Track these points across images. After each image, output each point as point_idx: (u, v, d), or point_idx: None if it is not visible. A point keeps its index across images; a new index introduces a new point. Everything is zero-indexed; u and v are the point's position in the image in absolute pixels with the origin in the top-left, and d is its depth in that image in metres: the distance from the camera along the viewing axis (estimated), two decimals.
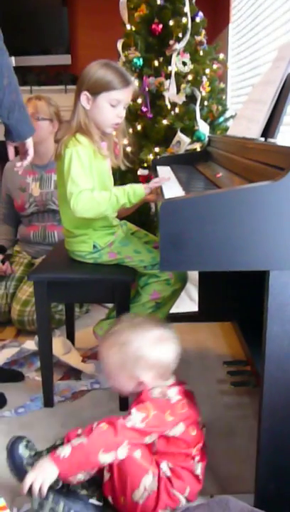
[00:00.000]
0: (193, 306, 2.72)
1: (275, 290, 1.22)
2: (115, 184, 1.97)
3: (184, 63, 2.89)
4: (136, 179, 2.80)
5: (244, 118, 1.90)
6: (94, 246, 1.86)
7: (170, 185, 1.70)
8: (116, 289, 1.80)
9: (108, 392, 2.00)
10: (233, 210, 1.16)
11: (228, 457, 1.63)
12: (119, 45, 3.08)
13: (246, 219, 1.17)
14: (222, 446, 1.68)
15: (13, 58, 4.73)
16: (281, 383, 1.28)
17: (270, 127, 1.62)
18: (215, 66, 3.07)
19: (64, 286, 1.85)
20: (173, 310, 2.10)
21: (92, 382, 2.06)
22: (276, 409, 1.30)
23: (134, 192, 1.76)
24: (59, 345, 2.25)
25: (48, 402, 1.91)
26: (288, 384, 1.29)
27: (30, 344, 2.26)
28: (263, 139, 1.63)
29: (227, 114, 3.15)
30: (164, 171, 2.17)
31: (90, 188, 1.70)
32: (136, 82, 2.90)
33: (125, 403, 1.88)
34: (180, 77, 2.88)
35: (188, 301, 2.83)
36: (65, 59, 4.77)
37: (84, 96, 1.75)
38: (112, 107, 1.78)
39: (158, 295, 1.92)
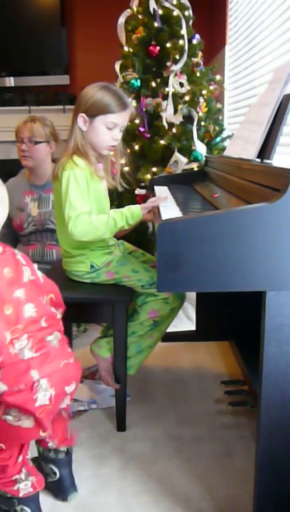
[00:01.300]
0: (191, 325, 2.72)
1: (272, 311, 1.23)
2: (113, 204, 1.99)
3: (181, 84, 2.92)
4: (134, 199, 2.82)
5: (241, 139, 1.92)
6: (92, 266, 1.86)
7: (167, 205, 1.71)
8: (114, 309, 1.80)
9: (105, 413, 2.00)
10: (230, 232, 1.17)
11: (226, 478, 1.62)
12: (117, 66, 3.12)
13: (243, 240, 1.18)
14: (219, 467, 1.67)
15: (12, 78, 4.80)
16: (278, 404, 1.28)
17: (266, 148, 1.64)
18: (211, 87, 3.10)
19: None
20: (171, 329, 2.11)
21: (89, 402, 2.05)
22: (273, 430, 1.30)
23: (132, 214, 1.77)
24: None
25: None
26: (286, 405, 1.29)
27: None
28: (259, 160, 1.65)
29: (224, 134, 3.17)
30: (161, 191, 2.18)
31: (88, 211, 1.71)
32: (133, 103, 2.93)
33: (122, 424, 1.87)
34: (177, 97, 2.91)
35: (185, 320, 2.83)
36: (63, 79, 4.82)
37: (81, 118, 1.77)
38: (108, 130, 1.79)
39: (156, 314, 1.92)
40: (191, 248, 1.17)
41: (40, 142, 2.57)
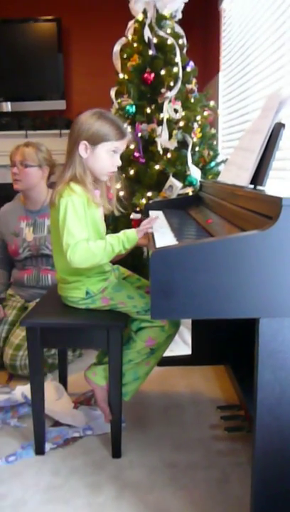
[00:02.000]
0: (187, 349, 2.72)
1: (265, 337, 1.23)
2: (108, 229, 2.00)
3: (175, 110, 2.97)
4: (129, 223, 2.84)
5: (234, 165, 1.94)
6: (87, 292, 1.87)
7: (162, 231, 1.72)
8: (109, 335, 1.80)
9: (100, 439, 1.98)
10: (222, 259, 1.18)
11: (222, 506, 1.60)
12: (112, 92, 3.17)
13: (236, 268, 1.19)
14: (216, 495, 1.65)
15: (9, 103, 4.86)
16: (273, 431, 1.28)
17: (259, 175, 1.66)
18: (205, 113, 3.15)
19: (57, 332, 1.85)
20: (167, 353, 2.10)
21: (84, 428, 2.04)
22: (269, 457, 1.30)
23: (128, 238, 1.79)
24: (51, 390, 2.23)
25: (40, 450, 1.89)
26: (281, 431, 1.29)
27: (21, 390, 2.24)
28: (252, 187, 1.67)
29: (219, 159, 3.21)
30: (156, 216, 2.20)
31: (86, 238, 1.72)
32: (128, 129, 2.98)
33: (118, 450, 1.86)
34: (171, 123, 2.95)
35: (181, 344, 2.83)
36: (59, 104, 4.88)
37: (83, 145, 1.78)
38: (110, 156, 1.82)
39: (153, 342, 1.92)
40: (184, 276, 1.18)
41: (32, 166, 2.59)
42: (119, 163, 1.87)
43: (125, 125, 2.92)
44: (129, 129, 2.99)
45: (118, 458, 1.86)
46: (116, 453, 1.86)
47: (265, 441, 1.30)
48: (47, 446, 1.92)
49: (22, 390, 2.23)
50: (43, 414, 1.90)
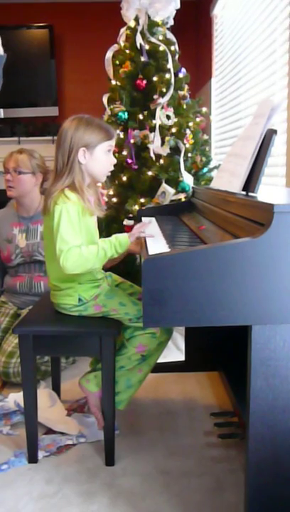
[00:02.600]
0: (180, 356, 2.71)
1: (258, 344, 1.23)
2: (101, 235, 2.00)
3: (168, 117, 2.97)
4: (122, 230, 2.84)
5: (226, 171, 1.95)
6: (80, 299, 1.86)
7: (154, 238, 1.72)
8: (102, 342, 1.80)
9: (94, 447, 1.97)
10: (215, 267, 1.18)
11: None
12: (105, 99, 3.17)
13: (228, 275, 1.19)
14: (209, 502, 1.65)
15: (1, 110, 4.85)
16: (266, 439, 1.28)
17: (251, 181, 1.67)
18: (198, 119, 3.16)
19: (49, 340, 1.84)
20: (160, 359, 2.10)
21: (77, 436, 2.03)
22: (262, 466, 1.29)
23: (120, 243, 1.80)
24: (44, 397, 2.22)
25: (33, 458, 1.87)
26: (274, 440, 1.29)
27: (13, 397, 2.23)
28: (244, 193, 1.67)
29: (211, 165, 3.22)
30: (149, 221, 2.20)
31: (79, 245, 1.72)
32: (121, 135, 2.98)
33: (111, 458, 1.85)
34: (164, 129, 2.95)
35: (175, 350, 2.82)
36: (52, 111, 4.89)
37: (82, 151, 1.80)
38: (107, 156, 1.86)
39: (143, 348, 1.92)
40: (177, 283, 1.18)
41: (25, 173, 2.59)
42: (115, 160, 1.91)
43: (118, 131, 2.95)
44: (121, 135, 3.00)
45: (111, 466, 1.85)
46: (110, 461, 1.85)
47: (258, 449, 1.30)
48: (40, 454, 1.91)
49: (15, 398, 2.22)
50: (36, 422, 1.89)
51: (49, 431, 2.07)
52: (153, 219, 2.30)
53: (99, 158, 1.84)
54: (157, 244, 1.59)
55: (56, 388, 2.33)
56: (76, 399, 2.32)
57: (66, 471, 1.83)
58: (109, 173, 1.93)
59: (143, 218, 2.33)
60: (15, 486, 1.75)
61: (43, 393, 2.24)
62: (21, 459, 1.89)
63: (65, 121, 1.85)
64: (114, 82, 3.12)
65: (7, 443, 2.01)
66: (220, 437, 1.86)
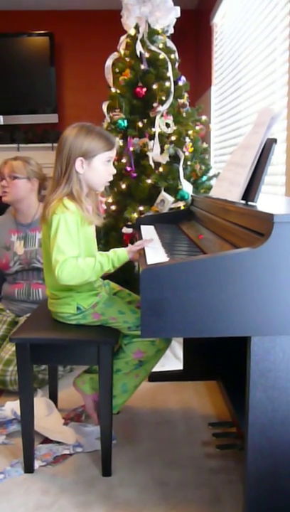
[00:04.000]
0: (178, 364, 2.70)
1: (257, 356, 1.22)
2: (99, 243, 1.99)
3: (167, 125, 2.97)
4: (121, 238, 2.83)
5: (226, 180, 1.94)
6: (78, 308, 1.85)
7: (153, 247, 1.71)
8: (100, 351, 1.78)
9: (91, 456, 1.95)
10: (213, 277, 1.17)
11: None
12: (104, 106, 3.17)
13: (227, 285, 1.18)
14: None
15: (1, 117, 4.85)
16: (266, 451, 1.27)
17: (251, 190, 1.66)
18: (197, 127, 3.16)
19: (47, 349, 1.83)
20: (158, 368, 2.09)
21: (74, 445, 2.01)
22: (261, 478, 1.28)
23: (118, 258, 1.79)
24: (41, 406, 2.20)
25: (29, 468, 1.85)
26: (273, 451, 1.27)
27: (10, 406, 2.21)
28: (243, 202, 1.66)
29: (210, 173, 3.22)
30: (148, 230, 2.19)
31: (76, 255, 1.71)
32: (120, 143, 2.98)
33: (108, 468, 1.83)
34: (163, 137, 2.96)
35: (173, 359, 2.81)
36: (52, 118, 4.90)
37: (80, 161, 1.79)
38: (105, 166, 1.84)
39: (141, 354, 1.91)
40: (175, 294, 1.17)
41: (20, 178, 2.59)
42: (114, 171, 1.90)
43: (117, 139, 2.94)
44: (120, 143, 2.99)
45: (108, 476, 1.83)
46: (107, 471, 1.83)
47: (257, 461, 1.29)
48: (37, 463, 1.89)
49: (12, 407, 2.21)
50: (33, 431, 1.87)
51: (45, 440, 2.06)
52: (151, 227, 2.29)
53: (97, 168, 1.82)
54: (156, 254, 1.58)
55: (53, 397, 2.31)
56: (73, 408, 2.30)
57: (62, 481, 1.81)
58: (108, 183, 1.92)
59: (142, 227, 2.32)
60: (11, 497, 1.73)
61: (40, 402, 2.22)
62: (17, 468, 1.87)
63: (66, 129, 1.84)
64: (113, 90, 3.13)
65: (3, 452, 1.99)
66: (218, 448, 1.84)
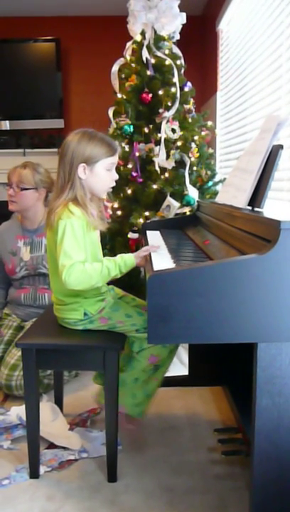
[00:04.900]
0: (184, 370, 2.69)
1: (263, 362, 1.22)
2: (105, 248, 1.99)
3: (173, 130, 2.98)
4: (126, 243, 2.83)
5: (232, 186, 1.94)
6: (85, 313, 1.85)
7: (159, 253, 1.72)
8: (106, 356, 1.78)
9: (96, 462, 1.95)
10: (220, 284, 1.17)
11: None
12: (110, 112, 3.18)
13: (234, 292, 1.18)
14: None
15: (7, 122, 4.87)
16: (272, 458, 1.26)
17: (257, 196, 1.66)
18: (203, 133, 3.17)
19: (52, 354, 1.83)
20: None
21: (79, 451, 2.01)
22: (267, 485, 1.28)
23: (125, 263, 1.79)
24: (46, 411, 2.20)
25: (34, 473, 1.85)
26: (280, 458, 1.27)
27: (16, 411, 2.21)
28: (250, 208, 1.66)
29: (216, 179, 3.22)
30: (154, 236, 2.20)
31: (82, 260, 1.71)
32: (126, 148, 2.99)
33: (114, 474, 1.83)
34: (169, 143, 2.96)
35: (178, 364, 2.80)
36: (58, 123, 4.90)
37: (82, 167, 1.79)
38: (108, 172, 1.84)
39: (156, 358, 1.92)
40: (182, 300, 1.17)
41: (27, 189, 2.59)
42: (117, 176, 1.90)
43: (123, 144, 2.95)
44: (126, 148, 3.00)
45: (114, 482, 1.83)
46: (112, 477, 1.83)
47: (263, 468, 1.28)
48: (42, 469, 1.89)
49: (17, 412, 2.21)
50: (38, 436, 1.87)
51: (51, 445, 2.06)
52: (157, 232, 2.30)
53: (99, 174, 1.83)
54: (162, 260, 1.58)
55: (58, 402, 2.31)
56: (78, 413, 2.30)
57: (68, 487, 1.81)
58: (110, 189, 1.92)
59: (148, 232, 2.32)
60: (16, 503, 1.73)
61: (45, 407, 2.22)
62: (22, 474, 1.87)
63: (69, 135, 1.85)
64: (119, 96, 3.13)
65: (8, 457, 2.00)
66: (224, 454, 1.84)
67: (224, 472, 1.89)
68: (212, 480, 1.84)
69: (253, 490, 1.29)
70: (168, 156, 2.94)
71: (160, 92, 2.99)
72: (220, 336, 1.20)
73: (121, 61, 3.24)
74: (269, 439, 1.26)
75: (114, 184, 1.90)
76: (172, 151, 2.94)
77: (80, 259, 1.70)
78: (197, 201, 2.71)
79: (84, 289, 1.75)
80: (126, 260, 1.80)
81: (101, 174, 1.83)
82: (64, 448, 2.03)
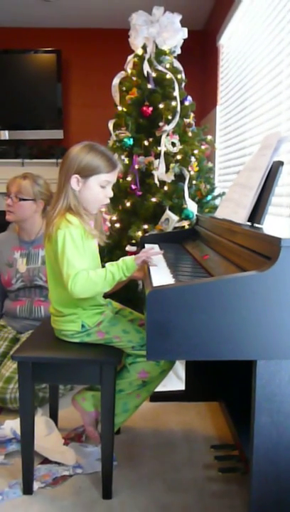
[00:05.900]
0: (180, 385, 2.67)
1: (262, 380, 1.21)
2: (103, 261, 1.98)
3: (173, 144, 2.98)
4: (124, 255, 2.81)
5: (232, 201, 1.94)
6: (83, 325, 1.84)
7: (158, 267, 1.71)
8: (103, 371, 1.77)
9: (91, 478, 1.93)
10: (220, 300, 1.16)
11: None
12: (111, 124, 3.19)
13: (233, 309, 1.17)
14: None
15: (6, 132, 4.88)
16: (270, 477, 1.25)
17: (257, 213, 1.66)
18: (203, 147, 3.17)
19: (49, 368, 1.81)
20: (160, 388, 2.06)
21: (74, 466, 1.98)
22: (265, 504, 1.26)
23: (127, 266, 1.78)
24: (41, 425, 2.18)
25: (28, 490, 1.82)
26: (278, 477, 1.25)
27: (10, 424, 2.19)
28: (250, 224, 1.66)
29: (215, 193, 3.22)
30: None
31: (86, 268, 1.71)
32: (126, 161, 2.99)
33: (108, 491, 1.80)
34: (169, 156, 2.97)
35: (175, 379, 2.78)
36: (57, 134, 4.91)
37: (75, 179, 1.79)
38: (102, 188, 1.83)
39: (146, 374, 1.89)
40: (181, 316, 1.16)
41: (26, 199, 2.58)
42: (111, 194, 1.87)
43: (122, 157, 2.95)
44: (126, 161, 3.00)
45: (109, 499, 1.80)
46: (107, 494, 1.80)
47: (261, 486, 1.27)
48: (36, 485, 1.86)
49: (11, 425, 2.18)
50: (33, 451, 1.84)
51: (45, 460, 2.03)
52: (156, 246, 2.28)
53: (91, 189, 1.81)
54: (161, 275, 1.57)
55: (54, 416, 2.28)
56: (74, 427, 2.28)
57: (62, 504, 1.78)
58: (103, 207, 1.90)
59: (146, 245, 2.32)
60: None
61: (40, 421, 2.20)
62: (16, 490, 1.84)
63: (73, 146, 1.85)
64: (120, 108, 3.14)
65: (1, 473, 1.97)
66: (221, 471, 1.82)
67: (220, 490, 1.86)
68: (209, 498, 1.81)
69: (251, 507, 1.27)
70: (167, 170, 2.94)
71: (161, 106, 3.00)
72: (219, 352, 1.19)
73: (122, 74, 3.26)
74: (267, 458, 1.25)
75: (107, 201, 1.88)
76: (171, 165, 2.94)
77: (83, 266, 1.70)
78: (197, 215, 2.71)
79: (91, 296, 1.76)
80: (128, 263, 1.78)
81: (94, 189, 1.81)
82: (58, 463, 2.01)
